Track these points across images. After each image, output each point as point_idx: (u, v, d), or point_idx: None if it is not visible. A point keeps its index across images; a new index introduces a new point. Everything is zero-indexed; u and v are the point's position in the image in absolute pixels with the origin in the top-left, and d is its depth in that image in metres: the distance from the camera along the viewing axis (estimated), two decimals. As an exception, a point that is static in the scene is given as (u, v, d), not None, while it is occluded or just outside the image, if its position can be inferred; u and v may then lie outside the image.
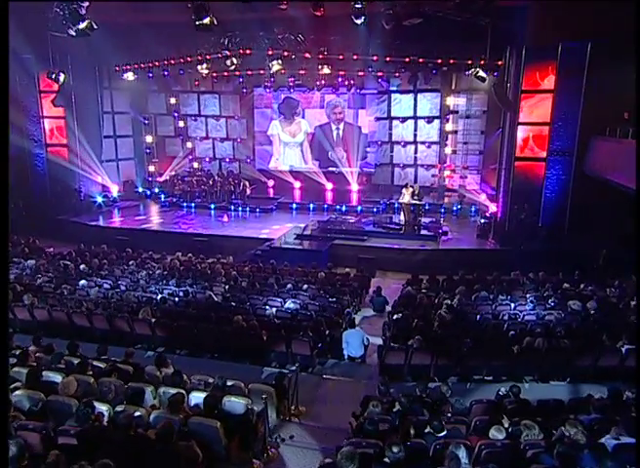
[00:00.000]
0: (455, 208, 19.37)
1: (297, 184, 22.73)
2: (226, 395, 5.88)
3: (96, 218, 18.89)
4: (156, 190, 22.11)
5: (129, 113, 22.28)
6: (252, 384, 6.60)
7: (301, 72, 18.08)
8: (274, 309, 9.66)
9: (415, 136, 20.95)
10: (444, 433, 5.02)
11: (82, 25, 10.28)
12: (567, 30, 13.92)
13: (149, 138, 22.99)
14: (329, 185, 22.27)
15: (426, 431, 5.12)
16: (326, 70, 16.28)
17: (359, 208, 19.84)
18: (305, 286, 11.45)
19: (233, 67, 15.76)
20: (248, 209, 20.00)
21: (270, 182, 22.94)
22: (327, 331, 9.16)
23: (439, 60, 16.43)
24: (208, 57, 16.23)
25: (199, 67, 16.69)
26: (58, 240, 17.25)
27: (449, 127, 20.35)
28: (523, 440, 4.88)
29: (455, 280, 12.71)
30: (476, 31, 14.56)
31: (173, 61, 17.48)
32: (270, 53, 15.34)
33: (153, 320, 8.87)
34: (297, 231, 16.80)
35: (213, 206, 20.30)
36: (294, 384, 7.05)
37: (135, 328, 8.94)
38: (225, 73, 19.27)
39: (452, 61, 16.39)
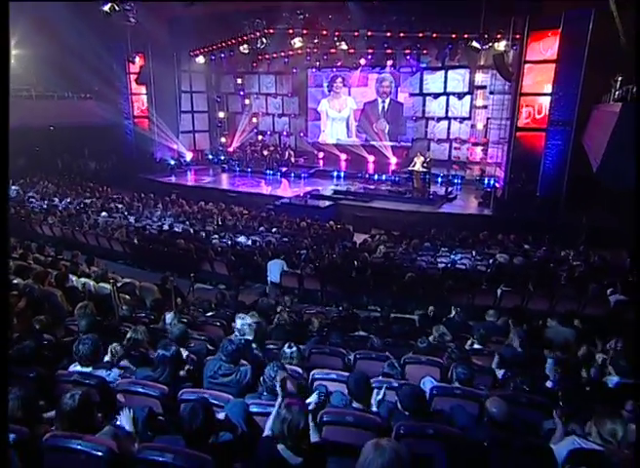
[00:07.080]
0: (475, 179, 18.50)
1: (343, 156, 23.04)
2: (103, 282, 6.94)
3: (167, 176, 21.03)
4: (222, 157, 23.83)
5: (204, 92, 24.12)
6: (143, 282, 7.58)
7: (332, 51, 18.27)
8: (218, 240, 10.50)
9: (446, 111, 20.09)
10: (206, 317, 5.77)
11: (106, 7, 11.58)
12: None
13: (221, 114, 24.69)
14: (370, 158, 22.28)
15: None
16: (343, 46, 16.35)
17: (384, 177, 19.77)
18: (275, 229, 12.08)
19: (263, 46, 16.47)
20: (293, 173, 21.04)
21: (320, 154, 23.50)
22: (260, 261, 9.80)
23: (454, 35, 15.74)
24: (245, 38, 17.14)
25: (241, 48, 17.73)
26: (134, 191, 19.54)
27: (479, 102, 19.22)
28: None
29: (425, 237, 12.53)
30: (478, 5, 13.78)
31: (224, 44, 18.69)
32: (291, 31, 15.82)
33: (125, 239, 10.19)
34: (314, 192, 17.33)
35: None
36: (192, 291, 7.99)
37: (112, 245, 10.36)
38: (274, 55, 20.04)
39: (466, 36, 15.57)
